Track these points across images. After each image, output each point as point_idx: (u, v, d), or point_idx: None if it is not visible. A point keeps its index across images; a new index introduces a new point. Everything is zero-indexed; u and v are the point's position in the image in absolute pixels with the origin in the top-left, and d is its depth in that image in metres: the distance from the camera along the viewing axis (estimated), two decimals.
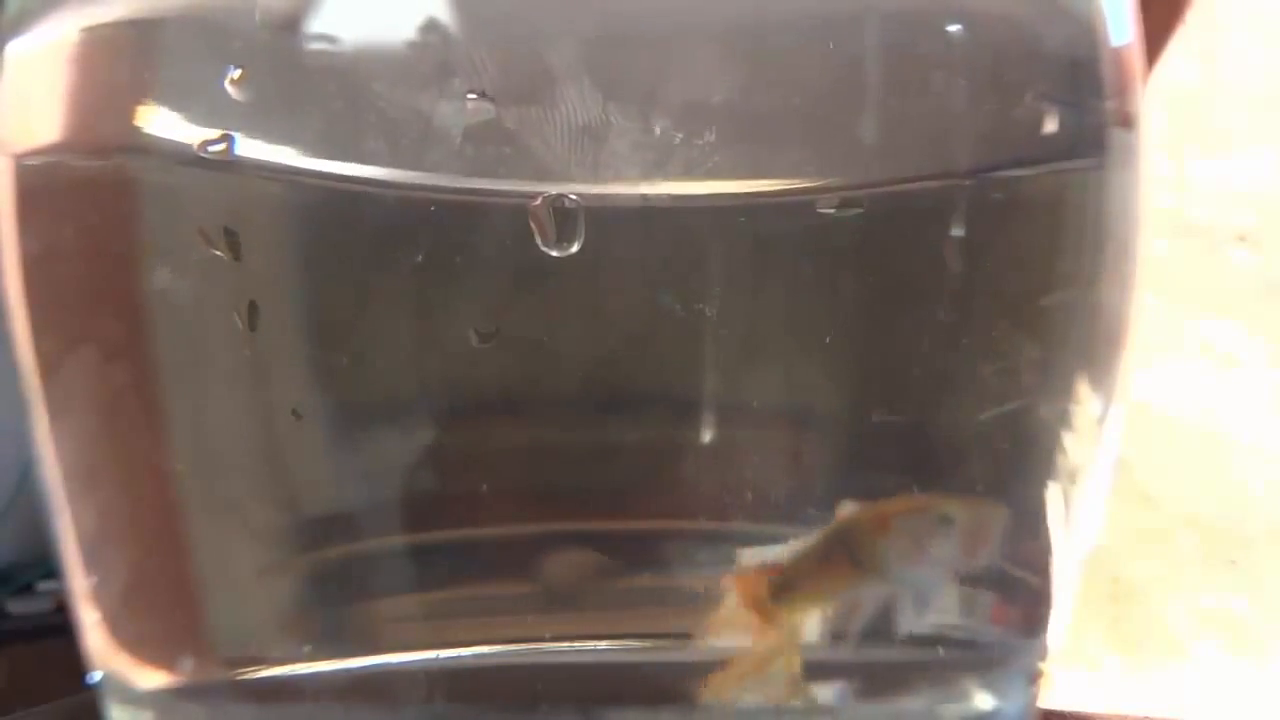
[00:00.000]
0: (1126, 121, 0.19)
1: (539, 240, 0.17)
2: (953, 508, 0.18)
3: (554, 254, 0.17)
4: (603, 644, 0.19)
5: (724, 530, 0.18)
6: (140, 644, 0.19)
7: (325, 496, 0.19)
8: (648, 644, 0.19)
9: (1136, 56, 0.20)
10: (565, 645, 0.19)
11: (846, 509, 0.18)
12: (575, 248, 0.17)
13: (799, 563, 0.18)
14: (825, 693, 0.19)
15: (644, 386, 0.18)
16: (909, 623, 0.18)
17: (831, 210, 0.17)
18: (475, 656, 0.18)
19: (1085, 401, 0.19)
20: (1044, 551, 0.20)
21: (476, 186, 0.17)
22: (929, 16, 0.18)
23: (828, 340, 0.18)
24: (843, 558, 0.18)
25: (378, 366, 0.18)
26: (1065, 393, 0.19)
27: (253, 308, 0.17)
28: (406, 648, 0.19)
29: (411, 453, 0.18)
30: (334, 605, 0.19)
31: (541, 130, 0.16)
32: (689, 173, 0.17)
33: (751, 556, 0.18)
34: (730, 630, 0.18)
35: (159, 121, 0.17)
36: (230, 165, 0.17)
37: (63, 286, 0.19)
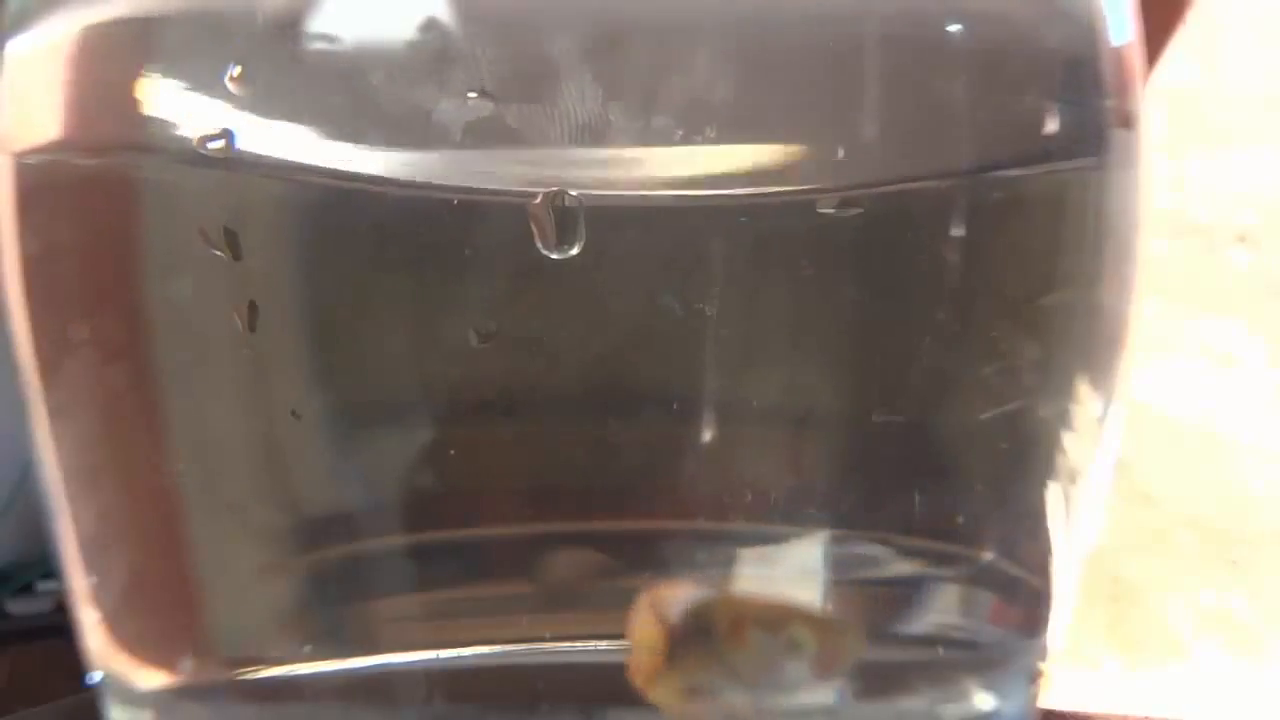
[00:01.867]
0: (1126, 121, 0.19)
1: (539, 243, 0.17)
2: (803, 633, 0.18)
3: (554, 256, 0.17)
4: (603, 644, 0.19)
5: (724, 530, 0.18)
6: (140, 644, 0.19)
7: (325, 496, 0.19)
8: None
9: (1136, 56, 0.20)
10: (565, 645, 0.19)
11: (710, 592, 0.18)
12: (575, 250, 0.17)
13: (673, 635, 0.18)
14: (825, 693, 0.19)
15: (644, 386, 0.18)
16: (772, 704, 0.18)
17: (831, 210, 0.17)
18: (475, 656, 0.18)
19: (1085, 401, 0.19)
20: (1044, 551, 0.20)
21: (477, 185, 0.17)
22: (929, 16, 0.18)
23: (828, 340, 0.18)
24: (705, 646, 0.18)
25: (378, 366, 0.18)
26: (1065, 393, 0.19)
27: (253, 308, 0.17)
28: (406, 648, 0.19)
29: (411, 453, 0.18)
30: (334, 605, 0.19)
31: (542, 128, 0.16)
32: (689, 172, 0.17)
33: (749, 558, 0.18)
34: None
35: (159, 120, 0.17)
36: (230, 164, 0.17)
37: (63, 286, 0.19)
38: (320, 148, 0.17)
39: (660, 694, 0.18)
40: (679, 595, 0.18)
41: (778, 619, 0.18)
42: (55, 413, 0.19)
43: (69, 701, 0.25)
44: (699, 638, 0.18)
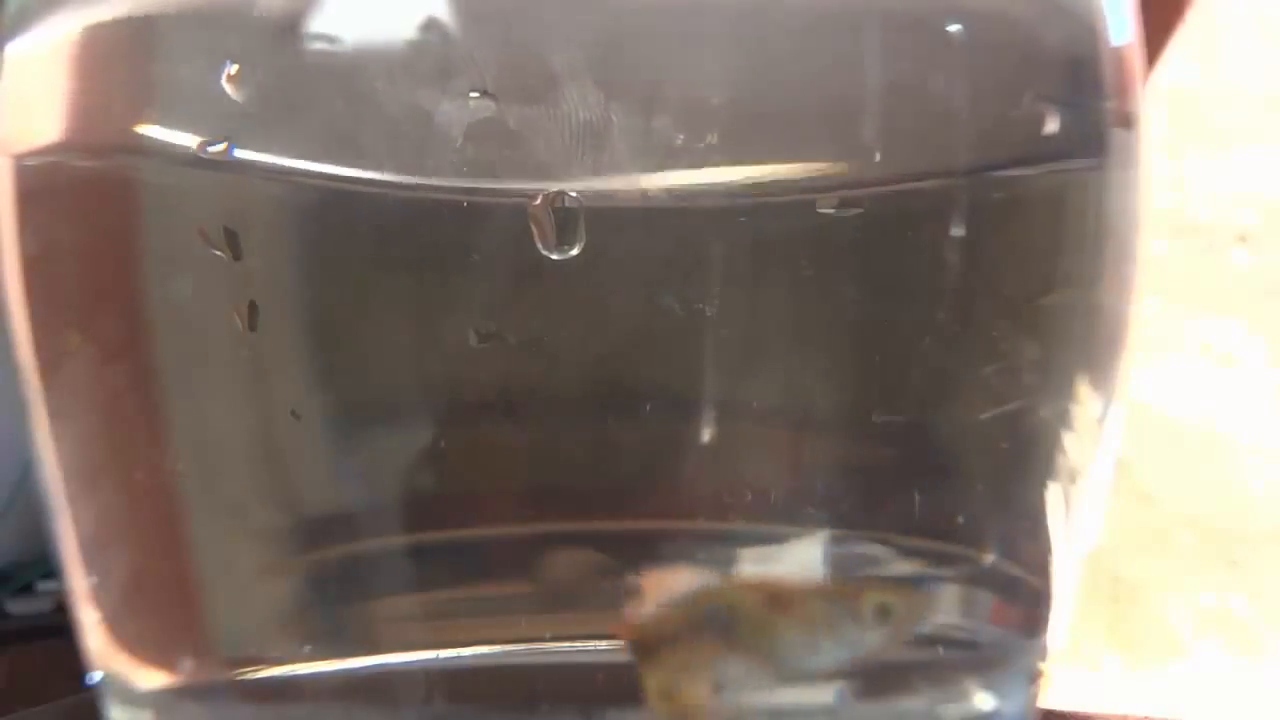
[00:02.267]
0: (1126, 121, 0.19)
1: (539, 244, 0.17)
2: (890, 599, 0.18)
3: (554, 257, 0.17)
4: (603, 644, 0.19)
5: (724, 530, 0.18)
6: (140, 644, 0.19)
7: (325, 496, 0.19)
8: None
9: (1136, 56, 0.20)
10: (565, 645, 0.19)
11: (724, 578, 0.18)
12: (575, 251, 0.17)
13: (661, 625, 0.18)
14: (825, 693, 0.19)
15: (644, 386, 0.18)
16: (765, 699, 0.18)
17: (831, 210, 0.17)
18: (475, 656, 0.18)
19: (1085, 401, 0.19)
20: (1044, 551, 0.20)
21: (477, 186, 0.17)
22: (929, 16, 0.18)
23: (828, 340, 0.18)
24: (715, 631, 0.18)
25: (378, 366, 0.18)
26: (1065, 393, 0.19)
27: (253, 308, 0.17)
28: (406, 648, 0.19)
29: (411, 453, 0.18)
30: (334, 605, 0.19)
31: (543, 129, 0.16)
32: (689, 172, 0.17)
33: (749, 558, 0.18)
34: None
35: (159, 121, 0.17)
36: (230, 165, 0.17)
37: (63, 287, 0.19)
38: (321, 149, 0.17)
39: (681, 692, 0.18)
40: (679, 584, 0.18)
41: (836, 592, 0.18)
42: (55, 413, 0.19)
43: (69, 701, 0.25)
44: (715, 628, 0.18)
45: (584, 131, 0.16)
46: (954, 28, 0.18)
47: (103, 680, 0.20)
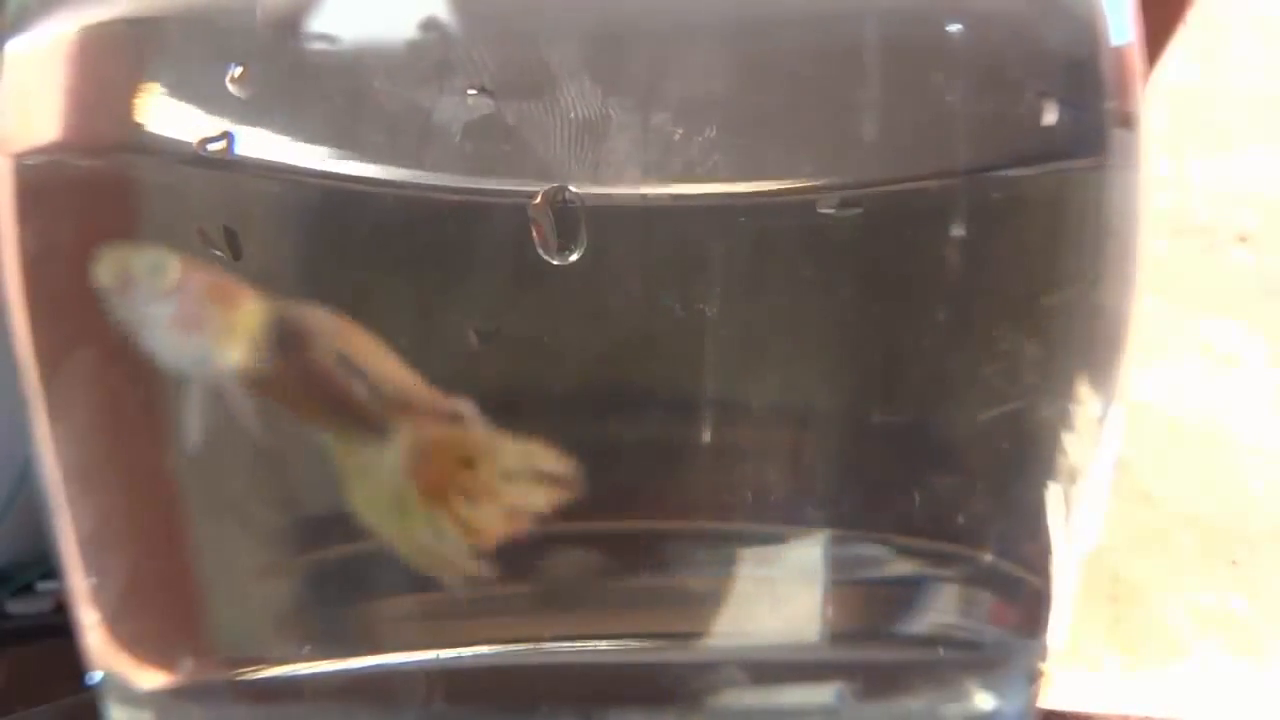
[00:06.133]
0: (1126, 121, 0.19)
1: (540, 249, 0.17)
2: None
3: (555, 262, 0.17)
4: (603, 644, 0.19)
5: (724, 530, 0.18)
6: (140, 644, 0.19)
7: (325, 496, 0.19)
8: (648, 644, 0.19)
9: (1136, 56, 0.20)
10: (565, 645, 0.19)
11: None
12: (576, 255, 0.17)
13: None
14: (825, 693, 0.19)
15: (644, 386, 0.18)
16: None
17: (831, 210, 0.17)
18: (475, 656, 0.18)
19: (1085, 401, 0.19)
20: (1044, 551, 0.20)
21: (476, 185, 0.17)
22: (929, 15, 0.18)
23: (828, 340, 0.18)
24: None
25: None
26: (1065, 393, 0.19)
27: None
28: (406, 648, 0.19)
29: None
30: (334, 605, 0.19)
31: (542, 127, 0.16)
32: (689, 171, 0.17)
33: (749, 558, 0.18)
34: None
35: (159, 120, 0.17)
36: (230, 164, 0.17)
37: (63, 286, 0.19)
38: (321, 148, 0.17)
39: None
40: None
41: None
42: (55, 413, 0.19)
43: (69, 701, 0.25)
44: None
45: (583, 128, 0.16)
46: (954, 27, 0.18)
47: (103, 680, 0.20)
